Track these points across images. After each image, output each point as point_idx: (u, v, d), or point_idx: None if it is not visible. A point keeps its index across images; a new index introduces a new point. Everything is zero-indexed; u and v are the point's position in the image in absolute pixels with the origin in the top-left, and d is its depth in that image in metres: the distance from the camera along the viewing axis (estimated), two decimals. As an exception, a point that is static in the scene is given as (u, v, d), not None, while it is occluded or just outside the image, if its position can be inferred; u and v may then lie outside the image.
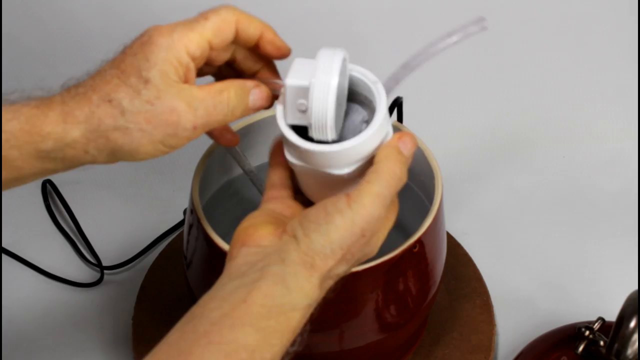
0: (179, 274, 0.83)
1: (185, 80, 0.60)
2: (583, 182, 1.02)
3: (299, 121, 0.60)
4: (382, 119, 0.60)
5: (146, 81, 0.58)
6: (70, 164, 0.60)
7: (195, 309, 0.56)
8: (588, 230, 0.98)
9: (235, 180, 0.84)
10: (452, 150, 1.04)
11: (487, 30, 0.63)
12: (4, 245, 0.96)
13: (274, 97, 0.63)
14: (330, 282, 0.59)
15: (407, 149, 0.60)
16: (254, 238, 0.59)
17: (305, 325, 0.57)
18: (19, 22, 1.12)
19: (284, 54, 0.65)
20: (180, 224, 0.97)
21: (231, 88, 0.61)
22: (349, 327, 0.73)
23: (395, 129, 0.64)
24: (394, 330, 0.76)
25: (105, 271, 0.94)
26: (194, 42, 0.60)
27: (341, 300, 0.71)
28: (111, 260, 0.95)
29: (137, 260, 0.95)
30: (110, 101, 0.58)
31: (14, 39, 1.10)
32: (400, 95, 0.75)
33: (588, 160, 1.04)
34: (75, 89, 0.59)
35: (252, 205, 0.84)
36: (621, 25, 1.14)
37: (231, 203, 0.84)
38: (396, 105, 0.70)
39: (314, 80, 0.59)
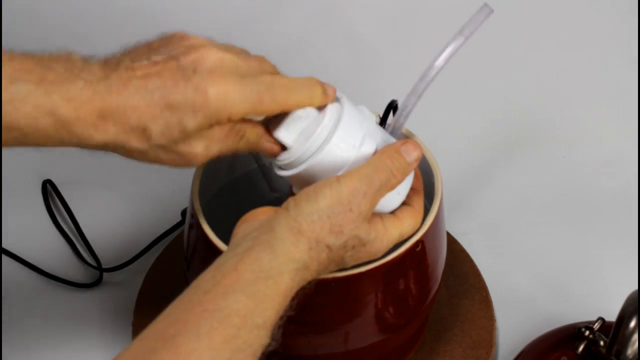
0: (179, 275, 0.83)
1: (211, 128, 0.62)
2: (583, 182, 1.02)
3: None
4: (326, 130, 0.64)
5: (183, 128, 0.60)
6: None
7: (193, 282, 0.58)
8: (588, 230, 0.98)
9: (235, 181, 0.84)
10: (452, 150, 1.04)
11: (494, 13, 0.66)
12: (4, 245, 0.96)
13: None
14: (322, 253, 0.61)
15: (410, 155, 0.64)
16: (254, 215, 0.63)
17: (281, 319, 0.59)
18: (19, 22, 1.12)
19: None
20: (180, 224, 0.97)
21: (250, 133, 0.64)
22: (354, 328, 0.74)
23: (404, 137, 0.66)
24: (398, 329, 0.76)
25: (104, 272, 0.94)
26: (240, 114, 0.62)
27: (346, 301, 0.71)
28: (111, 260, 0.95)
29: (137, 261, 0.95)
30: (144, 130, 0.60)
31: (15, 39, 1.10)
32: (397, 97, 0.75)
33: (588, 160, 1.04)
34: (114, 96, 0.59)
35: (252, 206, 0.84)
36: (621, 25, 1.14)
37: (231, 204, 0.84)
38: (391, 109, 0.70)
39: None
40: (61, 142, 0.60)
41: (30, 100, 0.58)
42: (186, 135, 0.61)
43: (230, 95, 0.60)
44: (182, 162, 0.63)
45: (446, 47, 0.67)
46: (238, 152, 0.65)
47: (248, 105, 0.61)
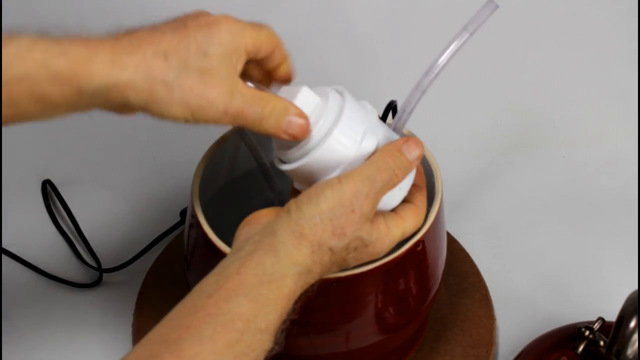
0: (178, 275, 0.83)
1: (234, 68, 0.62)
2: (583, 182, 1.02)
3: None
4: (328, 123, 0.63)
5: (205, 53, 0.61)
6: (105, 105, 0.61)
7: (196, 286, 0.58)
8: (588, 230, 0.98)
9: (235, 181, 0.84)
10: (452, 151, 1.04)
11: (499, 8, 0.66)
12: (3, 245, 0.96)
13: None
14: (325, 256, 0.61)
15: (412, 153, 0.63)
16: (257, 217, 0.63)
17: (284, 323, 0.59)
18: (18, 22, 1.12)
19: (287, 81, 0.69)
20: (179, 224, 0.97)
21: (274, 101, 0.63)
22: (355, 328, 0.74)
23: (404, 136, 0.66)
24: (399, 329, 0.76)
25: (104, 273, 0.94)
26: (252, 40, 0.63)
27: (347, 301, 0.71)
28: (111, 260, 0.95)
29: (136, 261, 0.94)
30: (165, 56, 0.60)
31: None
32: (397, 97, 0.75)
33: (588, 160, 1.04)
34: (126, 38, 0.60)
35: (252, 207, 0.85)
36: (621, 25, 1.14)
37: (231, 204, 0.84)
38: (390, 109, 0.70)
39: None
40: (79, 89, 0.58)
41: (37, 47, 0.57)
42: (210, 63, 0.61)
43: (239, 23, 0.63)
44: (208, 102, 0.61)
45: (451, 43, 0.67)
46: (260, 126, 0.63)
47: (255, 33, 0.63)
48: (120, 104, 0.60)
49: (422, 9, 1.15)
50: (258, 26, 0.65)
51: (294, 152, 0.64)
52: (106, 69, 0.58)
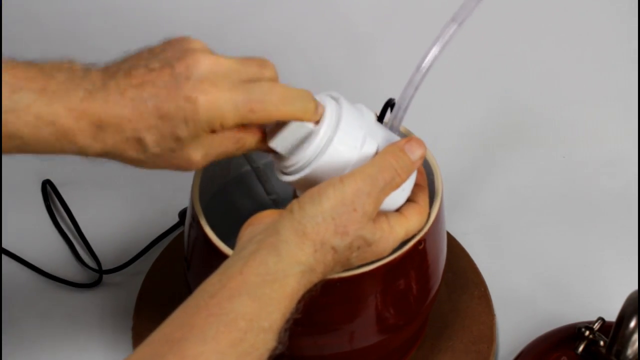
0: (179, 275, 0.83)
1: (208, 133, 0.62)
2: (583, 182, 1.02)
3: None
4: (327, 133, 0.64)
5: (177, 138, 0.60)
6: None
7: (199, 287, 0.59)
8: (588, 230, 0.98)
9: (235, 181, 0.84)
10: (452, 150, 1.04)
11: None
12: (4, 245, 0.96)
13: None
14: (328, 255, 0.61)
15: (414, 153, 0.64)
16: (260, 217, 0.63)
17: (287, 322, 0.59)
18: (19, 22, 1.12)
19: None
20: (178, 225, 0.97)
21: (249, 139, 0.64)
22: (360, 327, 0.74)
23: (403, 136, 0.66)
24: (402, 327, 0.76)
25: (104, 274, 0.94)
26: (233, 122, 0.62)
27: (351, 300, 0.71)
28: (110, 260, 0.95)
29: (136, 261, 0.94)
30: (140, 141, 0.60)
31: (15, 40, 1.10)
32: (395, 95, 0.75)
33: (588, 160, 1.04)
34: (111, 105, 0.60)
35: (252, 207, 0.85)
36: (621, 25, 1.14)
37: (231, 204, 0.84)
38: (388, 107, 0.70)
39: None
40: (61, 151, 0.60)
41: (32, 110, 0.58)
42: (181, 144, 0.61)
43: (220, 104, 0.60)
44: (182, 167, 0.63)
45: (440, 35, 0.66)
46: (237, 155, 0.65)
47: (239, 115, 0.61)
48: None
49: (420, 8, 1.15)
50: (248, 106, 0.62)
51: (295, 164, 0.64)
52: (88, 143, 0.60)
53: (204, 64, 0.60)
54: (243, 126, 0.63)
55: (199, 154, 0.62)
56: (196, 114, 0.60)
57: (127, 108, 0.59)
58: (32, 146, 0.59)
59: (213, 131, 0.61)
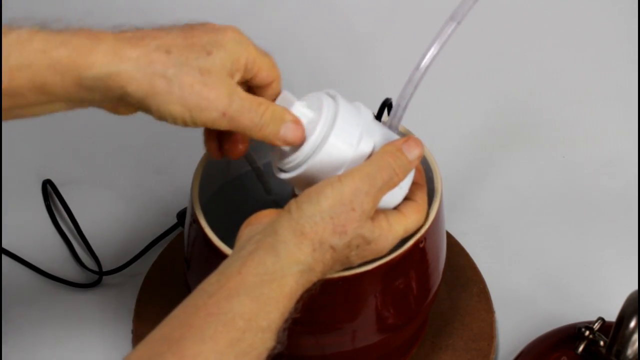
0: (179, 275, 0.83)
1: (232, 76, 0.63)
2: (583, 182, 1.02)
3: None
4: (323, 130, 0.64)
5: (208, 53, 0.61)
6: (104, 97, 0.60)
7: (198, 286, 0.59)
8: (588, 230, 0.98)
9: (235, 181, 0.84)
10: (451, 150, 1.04)
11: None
12: (4, 245, 0.96)
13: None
14: (327, 254, 0.61)
15: (412, 153, 0.64)
16: (258, 217, 0.63)
17: (286, 322, 0.59)
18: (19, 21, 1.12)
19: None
20: (176, 226, 0.97)
21: (271, 108, 0.64)
22: (362, 326, 0.74)
23: (402, 135, 0.66)
24: (403, 325, 0.76)
25: (104, 275, 0.94)
26: (253, 58, 0.63)
27: (353, 299, 0.72)
28: (111, 260, 0.95)
29: (137, 261, 0.94)
30: (168, 52, 0.60)
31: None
32: (394, 94, 0.75)
33: (588, 160, 1.04)
34: (131, 32, 0.60)
35: (252, 207, 0.85)
36: (621, 25, 1.14)
37: (231, 204, 0.84)
38: (385, 106, 0.70)
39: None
40: (78, 78, 0.58)
41: (38, 37, 0.57)
42: (211, 64, 0.61)
43: (244, 36, 0.63)
44: (206, 102, 0.61)
45: (439, 34, 0.66)
46: (254, 129, 0.63)
47: (258, 54, 0.63)
48: (118, 96, 0.60)
49: (420, 8, 1.15)
50: (263, 51, 0.65)
51: (292, 161, 0.65)
52: (107, 58, 0.58)
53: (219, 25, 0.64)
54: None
55: (225, 89, 0.61)
56: (226, 40, 0.62)
57: (150, 31, 0.61)
58: (44, 74, 0.58)
59: (236, 63, 0.62)
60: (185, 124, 0.62)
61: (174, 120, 0.61)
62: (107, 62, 0.58)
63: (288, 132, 0.64)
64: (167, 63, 0.60)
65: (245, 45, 0.63)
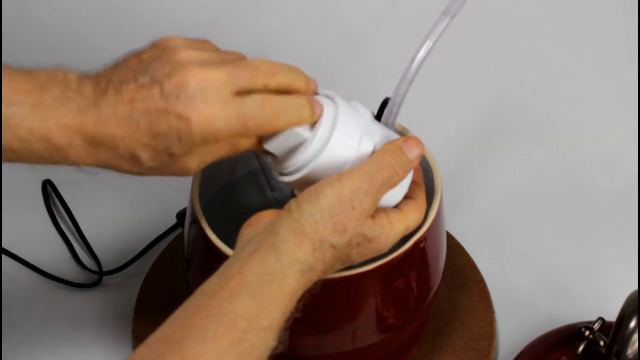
0: (178, 275, 0.83)
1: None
2: (583, 182, 1.02)
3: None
4: (324, 133, 0.64)
5: (171, 154, 0.61)
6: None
7: (199, 288, 0.59)
8: (588, 230, 0.98)
9: (235, 181, 0.84)
10: (451, 150, 1.04)
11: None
12: (4, 245, 0.96)
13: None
14: (327, 253, 0.61)
15: (412, 152, 0.64)
16: (258, 218, 0.63)
17: (287, 321, 0.59)
18: (19, 22, 1.12)
19: None
20: (176, 226, 0.97)
21: (244, 143, 0.65)
22: (362, 326, 0.74)
23: (400, 134, 0.66)
24: (404, 325, 0.76)
25: (104, 275, 0.94)
26: (228, 135, 0.61)
27: (353, 299, 0.72)
28: (111, 260, 0.95)
29: (137, 261, 0.94)
30: (135, 158, 0.61)
31: (15, 39, 1.10)
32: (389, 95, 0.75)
33: (588, 160, 1.04)
34: (104, 123, 0.60)
35: (252, 207, 0.85)
36: (621, 25, 1.14)
37: (231, 204, 0.84)
38: (385, 106, 0.70)
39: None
40: (54, 163, 0.61)
41: (25, 125, 0.59)
42: (176, 158, 0.61)
43: (213, 121, 0.60)
44: (178, 175, 0.64)
45: (432, 29, 0.66)
46: (232, 156, 0.66)
47: (232, 130, 0.61)
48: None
49: (419, 7, 1.15)
50: (287, 67, 0.64)
51: (294, 165, 0.65)
52: (82, 159, 0.61)
53: (193, 81, 0.59)
54: None
55: (195, 162, 0.63)
56: (189, 133, 0.60)
57: (119, 127, 0.60)
58: (24, 158, 0.61)
59: (206, 145, 0.62)
60: None
61: None
62: (81, 162, 0.61)
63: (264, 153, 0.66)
64: (134, 167, 0.62)
65: (213, 131, 0.60)
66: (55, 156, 0.60)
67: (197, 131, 0.59)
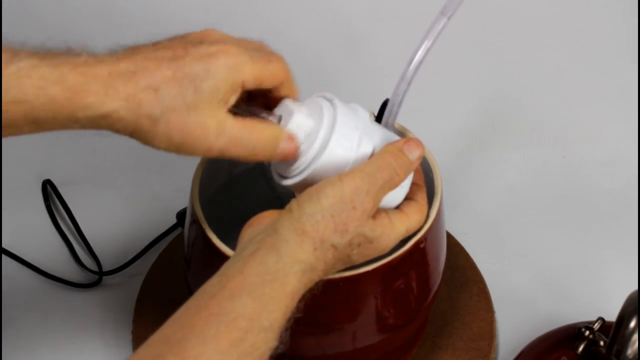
0: (179, 275, 0.83)
1: (225, 102, 0.62)
2: (583, 182, 1.02)
3: None
4: (323, 136, 0.64)
5: (196, 89, 0.60)
6: (96, 129, 0.62)
7: (200, 288, 0.59)
8: (588, 230, 0.98)
9: (235, 181, 0.84)
10: (451, 150, 1.04)
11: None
12: (4, 245, 0.96)
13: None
14: (328, 253, 0.61)
15: (413, 153, 0.64)
16: (259, 218, 0.63)
17: (288, 321, 0.59)
18: (19, 22, 1.12)
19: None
20: (175, 226, 0.97)
21: (265, 132, 0.63)
22: (363, 326, 0.74)
23: (400, 134, 0.66)
24: (404, 325, 0.76)
25: (104, 275, 0.94)
26: (252, 76, 0.62)
27: (354, 300, 0.72)
28: (111, 260, 0.95)
29: (137, 261, 0.94)
30: (156, 91, 0.59)
31: (15, 38, 1.10)
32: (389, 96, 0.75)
33: (588, 160, 1.04)
34: (124, 62, 0.60)
35: (252, 207, 0.85)
36: (621, 25, 1.14)
37: (231, 204, 0.84)
38: (385, 107, 0.70)
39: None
40: (72, 115, 0.59)
41: (36, 73, 0.57)
42: (200, 99, 0.60)
43: (239, 57, 0.61)
44: (192, 139, 0.61)
45: (430, 29, 0.67)
46: (249, 156, 0.64)
47: (258, 68, 0.62)
48: (110, 130, 0.62)
49: (419, 7, 1.15)
50: (264, 59, 0.63)
51: (295, 169, 0.65)
52: (99, 98, 0.59)
53: (215, 33, 0.63)
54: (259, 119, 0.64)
55: (214, 121, 0.61)
56: (218, 68, 0.60)
57: (142, 62, 0.59)
58: (40, 111, 0.58)
59: (232, 88, 0.61)
60: (175, 153, 0.63)
61: (164, 150, 0.62)
62: (99, 103, 0.59)
63: (284, 150, 0.64)
64: (154, 104, 0.59)
65: (240, 68, 0.61)
66: (73, 101, 0.58)
67: (224, 65, 0.60)
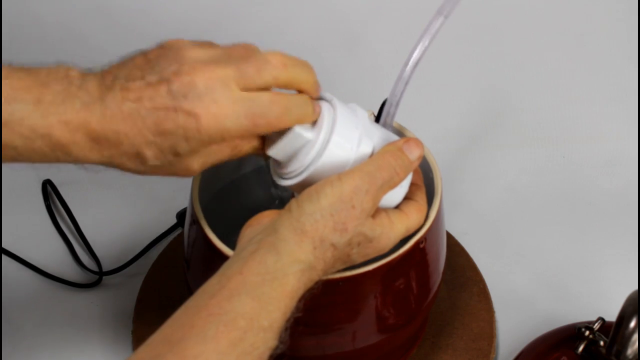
0: (179, 276, 0.83)
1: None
2: (583, 182, 1.02)
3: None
4: (322, 137, 0.64)
5: (177, 154, 0.61)
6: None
7: (199, 288, 0.59)
8: (588, 230, 0.98)
9: (235, 181, 0.84)
10: (451, 150, 1.04)
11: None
12: (4, 245, 0.96)
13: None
14: (328, 252, 0.61)
15: (412, 153, 0.64)
16: (259, 218, 0.63)
17: (288, 321, 0.59)
18: (19, 22, 1.12)
19: None
20: (175, 226, 0.97)
21: (246, 145, 0.64)
22: (362, 326, 0.74)
23: (399, 134, 0.66)
24: (404, 325, 0.76)
25: (104, 275, 0.94)
26: (233, 136, 0.62)
27: (354, 300, 0.72)
28: (110, 260, 0.95)
29: (137, 261, 0.94)
30: (137, 155, 0.60)
31: (15, 39, 1.10)
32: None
33: (588, 160, 1.04)
34: (111, 123, 0.60)
35: (252, 207, 0.85)
36: (621, 25, 1.14)
37: (231, 204, 0.84)
38: (383, 107, 0.70)
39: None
40: (57, 160, 0.61)
41: (26, 122, 0.58)
42: (181, 157, 0.61)
43: (222, 119, 0.60)
44: (180, 175, 0.63)
45: (427, 28, 0.67)
46: (233, 159, 0.65)
47: (242, 129, 0.61)
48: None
49: (419, 7, 1.15)
50: (294, 61, 0.64)
51: (295, 170, 0.65)
52: (84, 154, 0.60)
53: (201, 80, 0.59)
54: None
55: (198, 163, 0.62)
56: (198, 131, 0.60)
57: (125, 123, 0.59)
58: (26, 156, 0.60)
59: (212, 144, 0.61)
60: None
61: None
62: (83, 157, 0.61)
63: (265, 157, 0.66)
64: (139, 168, 0.62)
65: (226, 123, 0.60)
66: (58, 153, 0.60)
67: (205, 129, 0.59)
